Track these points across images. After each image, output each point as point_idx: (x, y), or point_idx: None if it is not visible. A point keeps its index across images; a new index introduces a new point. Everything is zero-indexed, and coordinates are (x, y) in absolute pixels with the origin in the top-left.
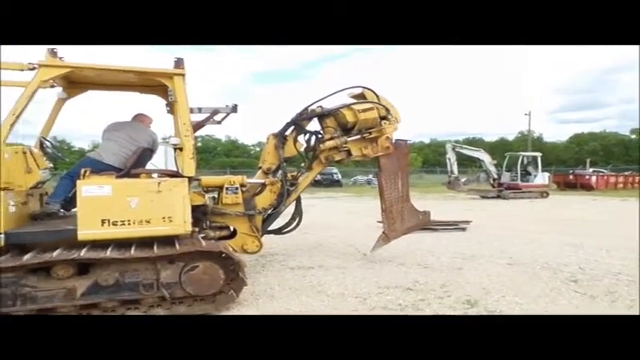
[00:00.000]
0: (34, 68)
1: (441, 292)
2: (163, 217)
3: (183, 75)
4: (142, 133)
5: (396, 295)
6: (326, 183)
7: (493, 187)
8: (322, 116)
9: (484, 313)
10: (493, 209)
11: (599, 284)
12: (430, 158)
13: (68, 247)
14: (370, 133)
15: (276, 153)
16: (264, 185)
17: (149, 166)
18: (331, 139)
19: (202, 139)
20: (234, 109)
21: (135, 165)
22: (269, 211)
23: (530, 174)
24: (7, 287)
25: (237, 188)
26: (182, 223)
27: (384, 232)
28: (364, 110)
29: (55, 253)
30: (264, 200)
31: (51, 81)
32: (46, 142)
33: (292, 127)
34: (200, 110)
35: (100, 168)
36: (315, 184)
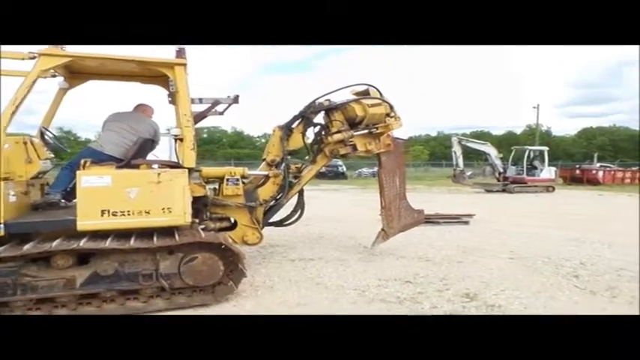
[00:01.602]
0: (34, 57)
1: (441, 285)
2: (163, 208)
3: (184, 65)
4: (143, 124)
5: (395, 287)
6: (331, 175)
7: (498, 180)
8: (330, 110)
9: (483, 306)
10: (497, 203)
11: (601, 280)
12: (437, 151)
13: (68, 238)
14: (377, 129)
15: (280, 145)
16: (267, 177)
17: (151, 156)
18: (338, 132)
19: (208, 130)
20: (236, 99)
21: (135, 156)
22: (270, 204)
23: (536, 168)
24: (8, 277)
25: (237, 180)
26: (182, 214)
27: (383, 229)
28: (373, 105)
29: (54, 243)
30: (266, 192)
31: (52, 71)
32: (47, 132)
33: (299, 120)
34: (201, 101)
35: (100, 158)
36: (320, 176)
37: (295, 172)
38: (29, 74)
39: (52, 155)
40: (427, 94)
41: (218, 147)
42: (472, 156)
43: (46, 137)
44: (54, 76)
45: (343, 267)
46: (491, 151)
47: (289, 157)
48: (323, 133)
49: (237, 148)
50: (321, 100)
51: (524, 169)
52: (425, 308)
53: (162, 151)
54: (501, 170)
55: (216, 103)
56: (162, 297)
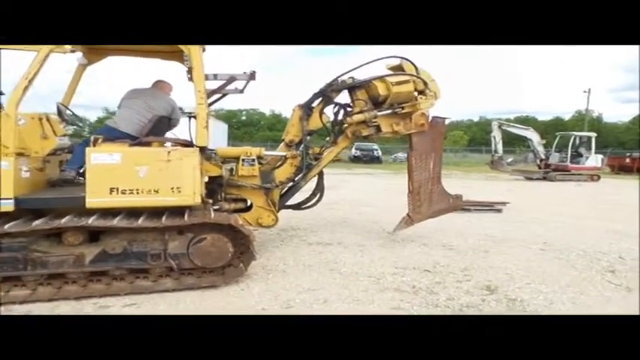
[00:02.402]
0: None
1: (461, 275)
2: (172, 188)
3: None
4: (159, 101)
5: (412, 276)
6: (366, 159)
7: (540, 168)
8: (353, 88)
9: (504, 300)
10: (536, 191)
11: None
12: (478, 137)
13: (79, 214)
14: (403, 108)
15: (300, 125)
16: (285, 158)
17: (170, 135)
18: (360, 112)
19: (247, 112)
20: (253, 76)
21: (150, 133)
22: (287, 185)
23: (581, 155)
24: (18, 252)
25: (253, 160)
26: (191, 194)
27: (408, 214)
28: (398, 83)
29: (62, 220)
30: (283, 174)
31: (69, 46)
32: (64, 108)
33: (320, 99)
34: (216, 77)
35: (115, 136)
36: (355, 159)
37: (315, 154)
38: (42, 49)
39: (70, 132)
40: (470, 77)
41: (257, 129)
42: (515, 142)
43: (63, 114)
44: (73, 51)
45: (361, 253)
46: (533, 136)
47: (309, 137)
48: (344, 113)
49: (275, 130)
50: (345, 77)
51: (569, 156)
52: (440, 300)
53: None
54: (543, 157)
55: (231, 79)
56: (171, 277)
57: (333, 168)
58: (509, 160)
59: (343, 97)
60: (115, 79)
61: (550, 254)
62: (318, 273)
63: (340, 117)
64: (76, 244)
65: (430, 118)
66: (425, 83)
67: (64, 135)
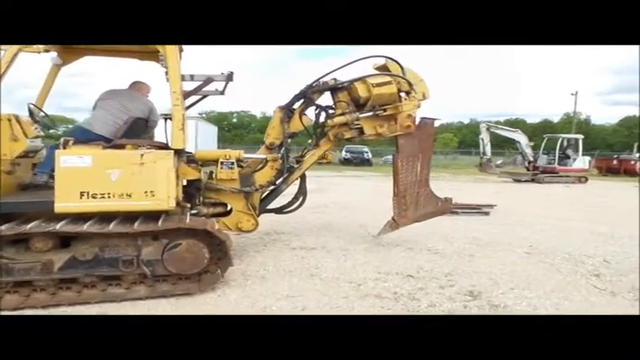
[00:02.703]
0: (48, 50)
1: (445, 280)
2: (145, 192)
3: None
4: (136, 102)
5: (394, 282)
6: (356, 162)
7: (528, 170)
8: (335, 90)
9: (486, 306)
10: (524, 193)
11: (624, 280)
12: (468, 139)
13: (48, 220)
14: (385, 110)
15: (280, 127)
16: (266, 161)
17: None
18: (342, 114)
19: (238, 114)
20: (230, 77)
21: (126, 135)
22: (266, 189)
23: (569, 157)
24: None
25: (232, 163)
26: (165, 199)
27: (393, 218)
28: (379, 84)
29: (29, 225)
30: (263, 177)
31: (42, 46)
32: (36, 110)
33: (301, 100)
34: (192, 78)
35: (89, 138)
36: (345, 162)
37: (297, 157)
38: (9, 48)
39: (42, 134)
40: (461, 79)
41: (247, 132)
42: (505, 144)
43: (35, 115)
44: (47, 51)
45: (345, 257)
46: (521, 138)
47: (290, 140)
48: (325, 115)
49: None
50: (326, 78)
51: (556, 158)
52: (422, 306)
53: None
54: (531, 159)
55: (208, 80)
56: (145, 284)
57: (323, 170)
58: (499, 162)
59: (326, 99)
60: (113, 81)
61: (535, 258)
62: (299, 279)
63: (321, 119)
64: (45, 250)
65: (418, 120)
66: (410, 84)
67: (37, 137)
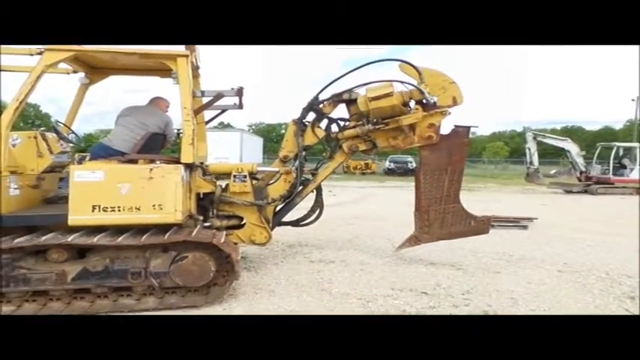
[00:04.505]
0: (41, 52)
1: (461, 299)
2: (154, 205)
3: (186, 56)
4: (153, 118)
5: (405, 299)
6: (400, 172)
7: (580, 180)
8: (350, 101)
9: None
10: (572, 206)
11: None
12: (521, 148)
13: (63, 232)
14: (387, 124)
15: (295, 140)
16: (280, 174)
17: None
18: (354, 127)
19: (286, 125)
20: (240, 92)
21: (143, 150)
22: (279, 203)
23: (625, 167)
24: (2, 268)
25: (245, 176)
26: (172, 212)
27: (414, 234)
28: (376, 98)
29: (43, 237)
30: (276, 190)
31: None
32: (60, 126)
33: (313, 113)
34: (203, 94)
35: (109, 153)
36: (389, 172)
37: (312, 170)
38: (34, 69)
39: (68, 150)
40: (515, 87)
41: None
42: (561, 154)
43: (60, 132)
44: (75, 72)
45: (361, 272)
46: (571, 147)
47: (304, 153)
48: (338, 127)
49: None
50: (330, 88)
51: (611, 168)
52: None
53: (232, 148)
54: (583, 169)
55: (219, 96)
56: (154, 295)
57: (366, 181)
58: (553, 171)
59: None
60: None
61: (567, 276)
62: (308, 294)
63: (331, 132)
64: (61, 261)
65: (452, 128)
66: (421, 92)
67: (63, 152)
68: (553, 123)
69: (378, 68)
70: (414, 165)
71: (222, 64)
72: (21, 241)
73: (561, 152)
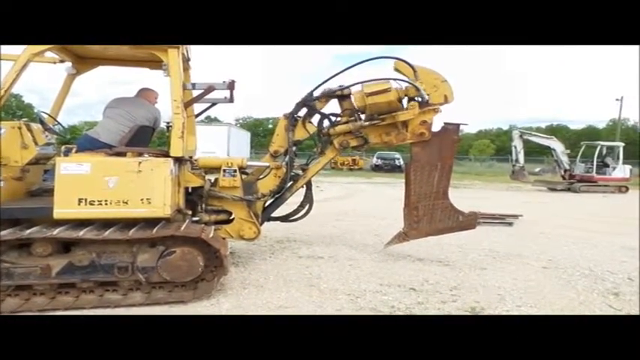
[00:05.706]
0: None
1: (448, 295)
2: (142, 199)
3: (177, 48)
4: (141, 110)
5: (394, 295)
6: (387, 168)
7: (564, 178)
8: (341, 97)
9: None
10: (556, 203)
11: None
12: (507, 146)
13: (50, 225)
14: (383, 120)
15: (285, 135)
16: (269, 169)
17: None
18: (346, 122)
19: (274, 120)
20: (232, 85)
21: (130, 143)
22: (269, 198)
23: (608, 166)
24: None
25: (234, 171)
26: (161, 206)
27: (403, 230)
28: (373, 94)
29: (27, 231)
30: (266, 185)
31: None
32: (45, 117)
33: (305, 108)
34: (194, 86)
35: (96, 146)
36: (376, 168)
37: (302, 165)
38: (19, 58)
39: (53, 141)
40: (500, 85)
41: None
42: (546, 152)
43: (45, 123)
44: (61, 61)
45: (350, 267)
46: (556, 146)
47: (294, 148)
48: (330, 122)
49: None
50: (326, 84)
51: (594, 166)
52: None
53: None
54: (567, 167)
55: (210, 89)
56: (141, 290)
57: (353, 177)
58: (537, 169)
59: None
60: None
61: (552, 272)
62: (296, 289)
63: (323, 127)
64: (45, 255)
65: (442, 125)
66: (417, 89)
67: (48, 144)
68: (538, 122)
69: (368, 67)
70: (402, 162)
71: (221, 63)
72: (4, 234)
73: (546, 150)
